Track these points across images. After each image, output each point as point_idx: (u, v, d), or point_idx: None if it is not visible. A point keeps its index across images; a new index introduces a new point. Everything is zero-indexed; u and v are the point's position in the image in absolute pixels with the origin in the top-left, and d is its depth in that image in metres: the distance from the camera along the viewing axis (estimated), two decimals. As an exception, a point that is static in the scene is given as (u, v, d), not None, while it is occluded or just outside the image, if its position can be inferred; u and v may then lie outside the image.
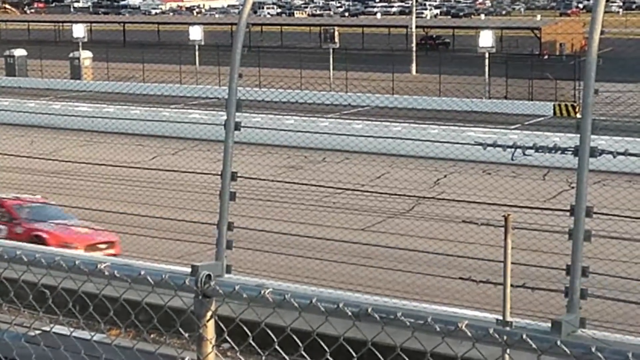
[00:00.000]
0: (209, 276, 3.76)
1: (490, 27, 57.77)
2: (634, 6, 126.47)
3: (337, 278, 19.22)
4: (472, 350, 3.17)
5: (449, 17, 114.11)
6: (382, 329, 3.26)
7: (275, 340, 3.76)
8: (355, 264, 20.13)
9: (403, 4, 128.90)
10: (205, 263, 16.40)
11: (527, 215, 21.47)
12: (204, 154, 31.50)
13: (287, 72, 52.62)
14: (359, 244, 21.60)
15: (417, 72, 58.30)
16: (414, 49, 62.01)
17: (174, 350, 10.54)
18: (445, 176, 29.56)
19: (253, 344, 3.87)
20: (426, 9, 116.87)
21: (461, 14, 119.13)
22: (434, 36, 79.22)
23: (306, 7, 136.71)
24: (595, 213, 7.43)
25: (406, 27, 69.51)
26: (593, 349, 2.86)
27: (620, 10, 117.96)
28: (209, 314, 3.88)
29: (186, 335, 4.57)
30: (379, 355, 3.75)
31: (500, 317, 11.22)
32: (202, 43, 56.95)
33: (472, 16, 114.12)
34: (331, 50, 53.02)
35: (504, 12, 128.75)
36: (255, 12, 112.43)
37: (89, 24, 75.07)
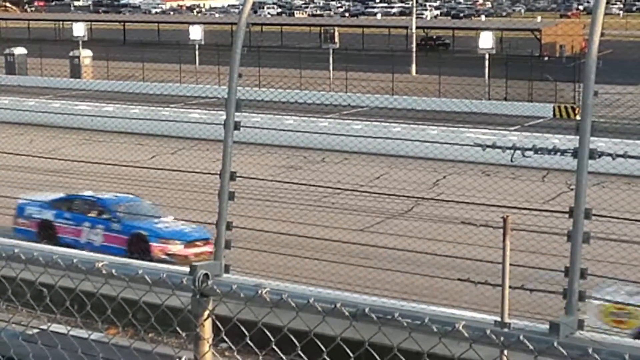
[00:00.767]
0: (206, 275, 3.76)
1: (491, 28, 57.77)
2: (634, 8, 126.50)
3: (335, 278, 19.21)
4: (469, 352, 3.17)
5: (449, 18, 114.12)
6: (379, 330, 3.25)
7: (273, 340, 3.76)
8: (354, 265, 20.12)
9: (403, 4, 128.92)
10: (204, 262, 16.40)
11: (526, 216, 21.48)
12: (204, 153, 31.49)
13: (286, 72, 52.61)
14: (357, 244, 21.60)
15: (416, 72, 58.30)
16: (414, 49, 62.02)
17: (172, 350, 10.54)
18: (444, 177, 29.56)
19: (250, 343, 3.87)
20: (426, 10, 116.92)
21: (461, 15, 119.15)
22: (434, 37, 79.22)
23: (306, 7, 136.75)
24: (594, 215, 7.44)
25: (406, 27, 69.53)
26: (590, 351, 2.86)
27: (621, 12, 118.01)
28: (207, 313, 3.88)
29: (183, 334, 4.56)
30: (376, 356, 3.75)
31: (499, 319, 11.22)
32: (202, 42, 56.97)
33: (472, 17, 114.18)
34: (331, 51, 53.02)
35: (504, 14, 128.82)
36: (255, 12, 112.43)
37: (89, 23, 75.03)
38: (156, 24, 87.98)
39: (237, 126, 9.88)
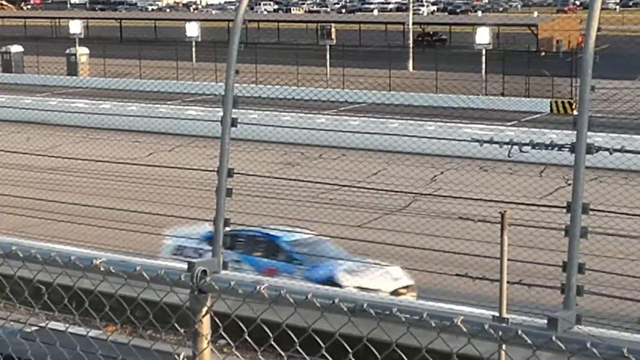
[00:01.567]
0: (204, 272, 3.76)
1: (487, 23, 57.81)
2: (630, 3, 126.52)
3: (334, 274, 19.18)
4: (468, 347, 3.17)
5: (446, 13, 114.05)
6: (377, 325, 3.26)
7: (271, 336, 3.76)
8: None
9: (400, 0, 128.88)
10: (202, 259, 16.39)
11: (523, 212, 21.48)
12: (201, 150, 31.49)
13: (283, 68, 52.59)
14: (355, 240, 21.61)
15: (414, 68, 58.28)
16: (411, 45, 61.99)
17: (170, 347, 10.55)
18: (442, 173, 29.57)
19: (249, 339, 3.87)
20: (423, 6, 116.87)
21: (458, 10, 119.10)
22: (431, 33, 79.17)
23: (303, 4, 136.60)
24: (592, 210, 7.42)
25: (403, 23, 69.50)
26: (588, 345, 2.87)
27: (617, 7, 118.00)
28: (205, 309, 3.88)
29: (182, 331, 4.57)
30: (375, 351, 3.76)
31: (497, 314, 11.23)
32: (199, 39, 56.91)
33: (469, 13, 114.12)
34: (328, 47, 52.98)
35: (500, 9, 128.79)
36: (252, 9, 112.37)
37: (85, 20, 74.94)
38: (153, 21, 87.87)
39: (234, 123, 9.85)
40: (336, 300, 3.30)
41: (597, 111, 38.21)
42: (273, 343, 3.76)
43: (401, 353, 3.59)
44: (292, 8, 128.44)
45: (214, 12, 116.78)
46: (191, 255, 18.30)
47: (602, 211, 17.23)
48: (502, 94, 47.18)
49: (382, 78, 50.09)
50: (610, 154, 10.71)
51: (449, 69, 50.37)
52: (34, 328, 5.72)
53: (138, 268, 3.88)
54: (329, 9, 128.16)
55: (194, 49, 56.08)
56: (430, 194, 26.10)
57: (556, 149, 10.47)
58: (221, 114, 8.60)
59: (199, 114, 37.76)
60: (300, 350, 3.74)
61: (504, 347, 3.19)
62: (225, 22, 72.70)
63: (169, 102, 44.83)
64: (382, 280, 17.53)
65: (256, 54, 50.79)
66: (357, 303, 3.27)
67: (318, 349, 3.74)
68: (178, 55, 55.47)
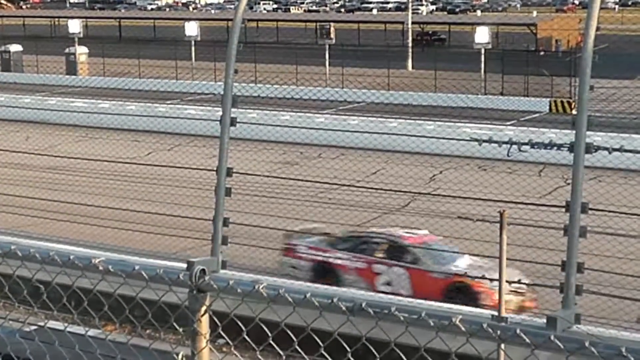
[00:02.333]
0: (203, 271, 3.76)
1: (486, 23, 57.81)
2: (629, 2, 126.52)
3: (333, 274, 19.18)
4: (467, 346, 3.17)
5: (445, 13, 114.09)
6: (376, 324, 3.26)
7: (270, 335, 3.76)
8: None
9: (399, 0, 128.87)
10: (201, 258, 16.38)
11: (522, 211, 21.49)
12: (200, 149, 31.49)
13: (282, 68, 52.58)
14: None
15: (413, 68, 58.29)
16: (410, 45, 61.99)
17: (169, 346, 10.53)
18: (440, 172, 29.57)
19: (247, 339, 3.87)
20: (422, 5, 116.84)
21: (457, 10, 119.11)
22: (430, 32, 79.18)
23: (302, 3, 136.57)
24: (591, 209, 7.43)
25: (402, 23, 69.48)
26: (587, 344, 2.87)
27: (616, 6, 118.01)
28: (204, 309, 3.88)
29: (181, 330, 4.57)
30: (374, 350, 3.76)
31: (496, 313, 11.24)
32: (198, 39, 56.90)
33: (468, 12, 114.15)
34: (327, 46, 52.96)
35: (500, 8, 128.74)
36: (251, 8, 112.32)
37: (84, 20, 74.94)
38: (152, 21, 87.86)
39: (233, 122, 9.85)
40: (335, 300, 3.30)
41: (596, 110, 38.22)
42: (272, 342, 3.76)
43: (400, 352, 3.60)
44: (291, 7, 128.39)
45: (213, 11, 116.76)
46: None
47: (601, 210, 17.23)
48: (501, 94, 47.19)
49: (381, 77, 50.09)
50: (609, 153, 10.71)
51: (448, 69, 50.38)
52: (32, 327, 5.72)
53: (137, 267, 3.89)
54: (328, 8, 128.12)
55: (193, 48, 56.07)
56: (429, 193, 26.10)
57: (555, 148, 10.47)
58: (220, 113, 8.58)
59: (198, 113, 37.76)
60: (299, 350, 3.74)
61: (502, 346, 3.19)
62: (224, 22, 72.69)
63: (168, 102, 44.82)
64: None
65: (255, 53, 50.79)
66: (356, 302, 3.27)
67: (317, 348, 3.74)
68: (177, 54, 55.46)
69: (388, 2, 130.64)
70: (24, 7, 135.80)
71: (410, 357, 3.67)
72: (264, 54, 55.14)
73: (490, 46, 49.92)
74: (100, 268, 3.95)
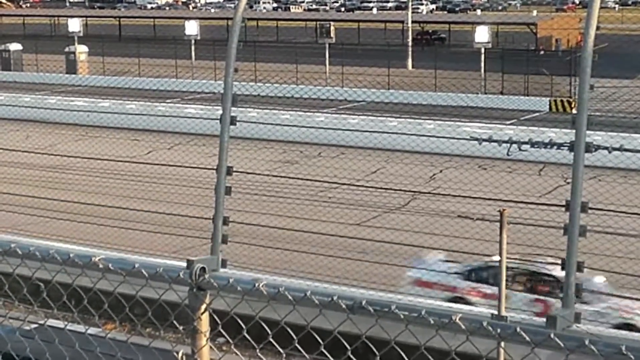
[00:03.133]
0: (203, 269, 3.76)
1: (486, 22, 57.76)
2: (629, 2, 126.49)
3: (332, 273, 19.22)
4: (467, 344, 3.17)
5: (445, 12, 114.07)
6: (376, 322, 3.26)
7: (270, 333, 3.76)
8: (351, 259, 20.14)
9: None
10: (201, 257, 16.41)
11: (522, 210, 21.50)
12: (200, 148, 31.48)
13: (282, 66, 52.57)
14: (354, 238, 21.61)
15: (413, 67, 58.27)
16: (410, 44, 61.97)
17: (169, 344, 10.54)
18: (440, 171, 29.56)
19: (247, 337, 3.87)
20: (422, 4, 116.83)
21: (457, 9, 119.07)
22: (430, 31, 79.15)
23: (302, 2, 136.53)
24: (591, 208, 7.43)
25: (402, 22, 69.44)
26: (587, 342, 2.87)
27: (616, 6, 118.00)
28: (204, 307, 3.88)
29: (181, 328, 4.57)
30: (374, 349, 3.76)
31: (496, 312, 11.24)
32: (198, 37, 56.87)
33: (468, 11, 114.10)
34: (327, 45, 52.94)
35: (500, 8, 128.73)
36: (251, 7, 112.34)
37: (84, 19, 74.92)
38: (152, 19, 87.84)
39: (233, 121, 9.85)
40: (335, 298, 3.30)
41: (596, 110, 38.22)
42: (272, 340, 3.76)
43: (400, 350, 3.60)
44: (291, 6, 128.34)
45: (213, 10, 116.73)
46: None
47: (601, 210, 17.25)
48: (501, 93, 47.18)
49: (381, 76, 50.08)
50: (609, 152, 10.72)
51: (448, 68, 50.37)
52: (33, 326, 5.72)
53: (137, 266, 3.88)
54: (328, 7, 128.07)
55: (193, 47, 56.05)
56: (429, 192, 26.10)
57: (555, 147, 10.48)
58: (220, 112, 8.58)
59: (198, 112, 37.76)
60: (299, 348, 3.74)
61: (502, 344, 3.19)
62: (224, 20, 72.67)
63: (168, 100, 44.82)
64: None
65: (255, 52, 50.78)
66: (356, 300, 3.27)
67: (317, 346, 3.74)
68: (177, 53, 55.45)
69: (388, 1, 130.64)
70: (23, 6, 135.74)
71: (410, 356, 3.67)
72: (264, 53, 55.13)
73: (490, 45, 49.90)
74: (100, 266, 3.95)
